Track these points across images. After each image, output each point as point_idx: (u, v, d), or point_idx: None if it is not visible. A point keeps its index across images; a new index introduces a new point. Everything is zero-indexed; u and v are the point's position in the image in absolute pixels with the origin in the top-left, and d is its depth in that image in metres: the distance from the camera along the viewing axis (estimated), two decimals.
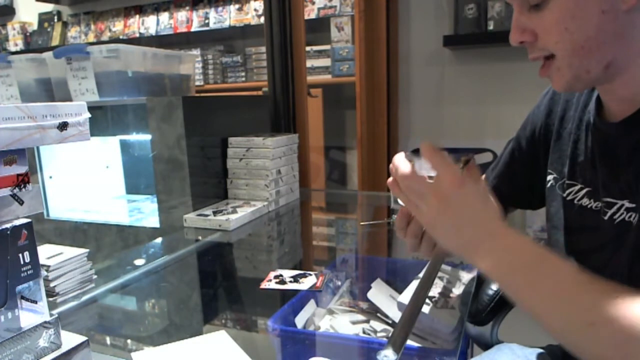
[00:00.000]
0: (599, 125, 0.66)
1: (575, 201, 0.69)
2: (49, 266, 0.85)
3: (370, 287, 0.92)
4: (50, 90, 1.57)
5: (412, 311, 0.66)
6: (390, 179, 0.66)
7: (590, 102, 0.70)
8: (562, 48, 0.57)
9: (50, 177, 1.68)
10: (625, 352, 0.46)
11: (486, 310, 0.93)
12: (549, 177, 0.76)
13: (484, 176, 0.90)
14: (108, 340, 0.82)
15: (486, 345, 1.00)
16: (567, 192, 0.72)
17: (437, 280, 0.85)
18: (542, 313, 0.53)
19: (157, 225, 1.42)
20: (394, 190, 0.65)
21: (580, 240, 0.70)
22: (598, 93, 0.68)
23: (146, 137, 1.44)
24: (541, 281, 0.53)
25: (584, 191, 0.69)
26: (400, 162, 0.63)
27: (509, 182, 0.88)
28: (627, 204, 0.60)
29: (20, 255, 0.51)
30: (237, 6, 2.82)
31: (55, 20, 3.44)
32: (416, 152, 0.62)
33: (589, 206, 0.67)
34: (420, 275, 0.79)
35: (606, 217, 0.63)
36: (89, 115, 0.55)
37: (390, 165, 0.66)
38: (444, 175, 0.58)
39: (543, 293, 0.53)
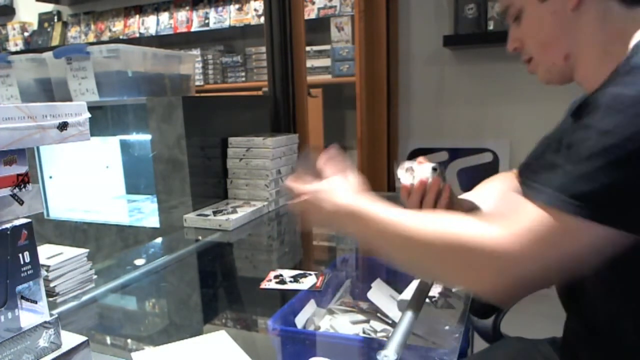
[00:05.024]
0: None
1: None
2: (49, 266, 0.85)
3: (370, 287, 0.92)
4: (50, 90, 1.57)
5: (412, 311, 0.66)
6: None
7: None
8: (534, 47, 0.72)
9: (50, 177, 1.68)
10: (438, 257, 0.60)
11: (489, 304, 0.93)
12: None
13: None
14: (108, 340, 0.82)
15: (489, 339, 1.00)
16: None
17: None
18: (389, 251, 0.67)
19: (157, 225, 1.42)
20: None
21: None
22: None
23: (146, 137, 1.44)
24: (385, 229, 0.65)
25: None
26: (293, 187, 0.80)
27: None
28: None
29: (20, 255, 0.51)
30: (237, 6, 2.82)
31: (55, 20, 3.44)
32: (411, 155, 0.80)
33: None
34: None
35: None
36: (89, 115, 0.55)
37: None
38: (309, 190, 0.76)
39: (387, 237, 0.66)
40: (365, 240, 0.71)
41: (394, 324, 0.84)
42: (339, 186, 0.76)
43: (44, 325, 0.54)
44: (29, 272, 0.52)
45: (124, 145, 1.87)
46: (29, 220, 0.52)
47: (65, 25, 3.39)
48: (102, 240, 1.54)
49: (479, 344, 1.04)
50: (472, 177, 2.09)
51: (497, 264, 0.55)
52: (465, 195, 0.93)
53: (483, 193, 0.94)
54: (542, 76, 0.74)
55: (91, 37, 3.28)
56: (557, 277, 0.59)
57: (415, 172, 0.86)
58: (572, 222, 0.52)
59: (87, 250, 0.92)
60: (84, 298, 0.90)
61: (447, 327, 0.74)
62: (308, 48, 2.39)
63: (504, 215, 0.57)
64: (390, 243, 0.66)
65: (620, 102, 0.52)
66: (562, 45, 0.68)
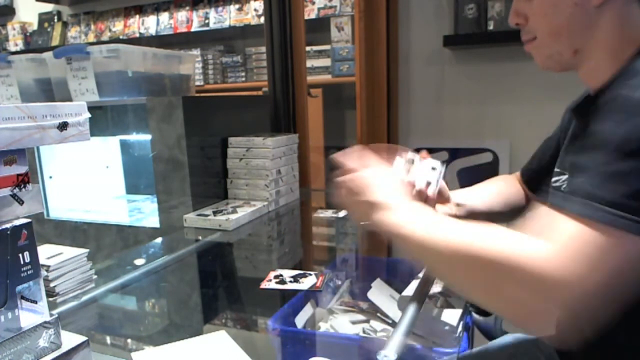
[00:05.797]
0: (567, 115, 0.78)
1: (562, 188, 0.75)
2: (49, 266, 0.85)
3: (370, 287, 0.92)
4: (50, 90, 1.57)
5: (412, 311, 0.66)
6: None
7: None
8: (542, 30, 0.68)
9: (50, 177, 1.68)
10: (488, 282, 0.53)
11: None
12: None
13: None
14: (108, 340, 0.82)
15: (491, 336, 1.01)
16: (555, 179, 0.77)
17: (437, 280, 0.85)
18: (428, 255, 0.61)
19: (157, 225, 1.42)
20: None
21: None
22: None
23: (146, 137, 1.44)
24: (431, 231, 0.60)
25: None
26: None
27: (540, 177, 0.95)
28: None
29: (20, 255, 0.51)
30: (237, 6, 2.82)
31: (55, 20, 3.44)
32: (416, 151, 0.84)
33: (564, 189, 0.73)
34: (421, 275, 0.79)
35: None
36: (89, 115, 0.55)
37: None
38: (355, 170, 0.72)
39: (431, 240, 0.59)
40: (399, 239, 0.66)
41: (394, 324, 0.84)
42: (383, 176, 0.71)
43: (44, 325, 0.54)
44: (29, 272, 0.52)
45: (124, 145, 1.87)
46: (29, 220, 0.52)
47: (65, 25, 3.39)
48: (102, 240, 1.54)
49: (479, 344, 1.04)
50: (472, 177, 2.09)
51: (544, 294, 0.48)
52: (462, 191, 0.94)
53: (481, 192, 0.95)
54: (541, 61, 0.72)
55: (91, 37, 3.28)
56: (616, 301, 0.49)
57: (414, 167, 0.83)
58: (612, 233, 0.47)
59: (87, 250, 0.92)
60: (84, 298, 0.90)
61: (447, 327, 0.74)
62: (308, 48, 2.39)
63: (541, 232, 0.52)
64: (427, 249, 0.60)
65: (632, 106, 0.52)
66: (574, 39, 0.66)
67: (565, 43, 0.66)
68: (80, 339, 0.57)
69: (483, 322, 1.00)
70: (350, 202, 0.72)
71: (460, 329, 0.75)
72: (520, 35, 0.73)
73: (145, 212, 1.67)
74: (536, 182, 0.96)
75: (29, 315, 0.52)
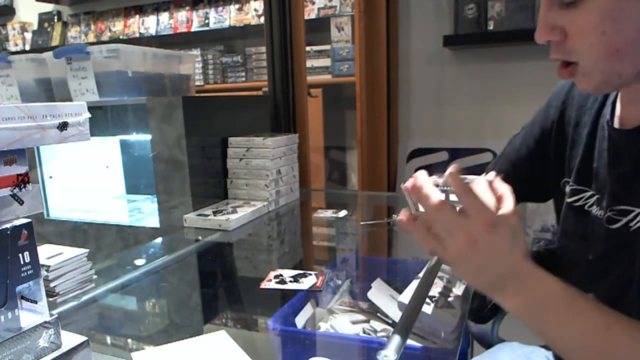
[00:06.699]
0: (611, 132, 0.65)
1: (586, 207, 0.69)
2: (49, 266, 0.85)
3: (370, 287, 0.92)
4: (50, 90, 1.57)
5: (412, 311, 0.66)
6: (404, 215, 0.61)
7: (605, 107, 0.68)
8: (595, 51, 0.54)
9: (50, 177, 1.68)
10: None
11: (486, 308, 0.93)
12: (565, 183, 0.75)
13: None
14: (108, 340, 0.82)
15: (487, 344, 1.00)
16: (576, 197, 0.71)
17: (437, 280, 0.85)
18: (572, 357, 0.54)
19: (157, 225, 1.42)
20: (408, 225, 0.60)
21: (585, 247, 0.69)
22: (613, 98, 0.68)
23: (146, 137, 1.44)
24: (571, 325, 0.54)
25: (594, 198, 0.68)
26: (431, 191, 0.57)
27: (514, 179, 0.82)
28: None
29: (20, 255, 0.51)
30: (237, 6, 2.82)
31: (55, 20, 3.44)
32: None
33: (597, 214, 0.67)
34: (420, 275, 0.79)
35: (616, 225, 0.63)
36: (89, 115, 0.55)
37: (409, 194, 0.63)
38: (477, 215, 0.54)
39: (573, 337, 0.54)
40: (537, 323, 0.55)
41: (394, 324, 0.84)
42: (513, 229, 0.55)
43: (44, 325, 0.54)
44: (29, 272, 0.52)
45: (124, 145, 1.87)
46: (29, 220, 0.52)
47: (65, 25, 3.39)
48: (102, 240, 1.54)
49: (478, 344, 1.04)
50: None
51: None
52: None
53: None
54: (591, 87, 0.58)
55: (91, 37, 3.28)
56: None
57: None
58: None
59: (87, 250, 0.92)
60: (84, 298, 0.90)
61: (447, 327, 0.74)
62: (308, 48, 2.40)
63: None
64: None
65: None
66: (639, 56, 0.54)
67: (630, 63, 0.54)
68: (80, 339, 0.57)
69: (479, 329, 1.00)
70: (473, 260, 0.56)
71: (460, 329, 0.75)
72: (552, 53, 0.58)
73: (145, 212, 1.67)
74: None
75: (29, 315, 0.52)
